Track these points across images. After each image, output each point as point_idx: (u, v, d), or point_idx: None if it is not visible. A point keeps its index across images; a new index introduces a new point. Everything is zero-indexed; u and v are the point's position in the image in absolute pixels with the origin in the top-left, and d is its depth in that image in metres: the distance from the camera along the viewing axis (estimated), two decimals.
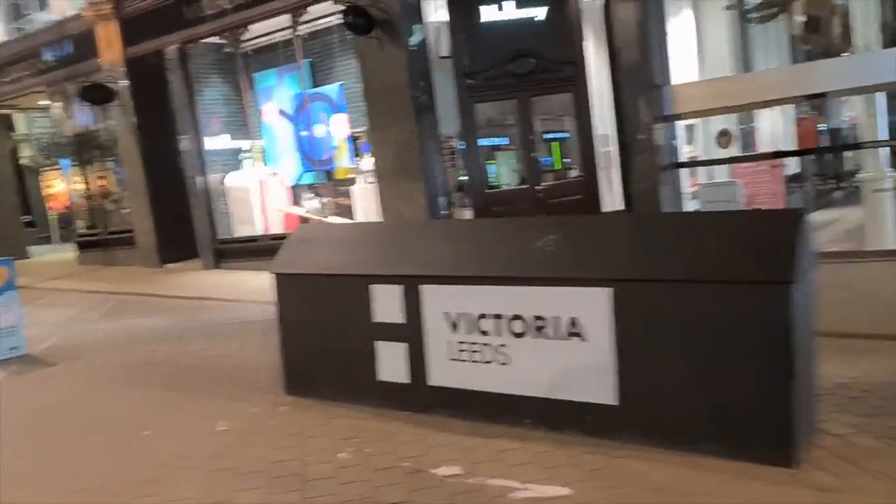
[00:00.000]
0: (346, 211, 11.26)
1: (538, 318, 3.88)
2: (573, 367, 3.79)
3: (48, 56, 13.87)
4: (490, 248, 4.23)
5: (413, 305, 4.28)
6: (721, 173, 10.35)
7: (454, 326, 4.17)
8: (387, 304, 4.37)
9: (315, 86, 11.35)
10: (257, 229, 11.83)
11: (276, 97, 11.93)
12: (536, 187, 9.92)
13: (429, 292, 4.22)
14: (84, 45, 13.02)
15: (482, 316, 4.06)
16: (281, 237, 11.58)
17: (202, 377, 5.68)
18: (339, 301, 4.61)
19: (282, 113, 11.92)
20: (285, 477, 3.65)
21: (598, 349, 3.70)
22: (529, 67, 9.65)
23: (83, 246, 14.58)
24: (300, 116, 11.52)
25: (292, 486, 3.54)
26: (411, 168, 9.58)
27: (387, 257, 4.55)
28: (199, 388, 5.40)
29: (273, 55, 11.71)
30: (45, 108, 17.43)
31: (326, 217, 11.07)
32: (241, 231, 12.13)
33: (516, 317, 3.95)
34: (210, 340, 6.97)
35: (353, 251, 4.80)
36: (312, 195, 11.57)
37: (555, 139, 11.05)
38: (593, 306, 3.70)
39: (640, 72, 9.28)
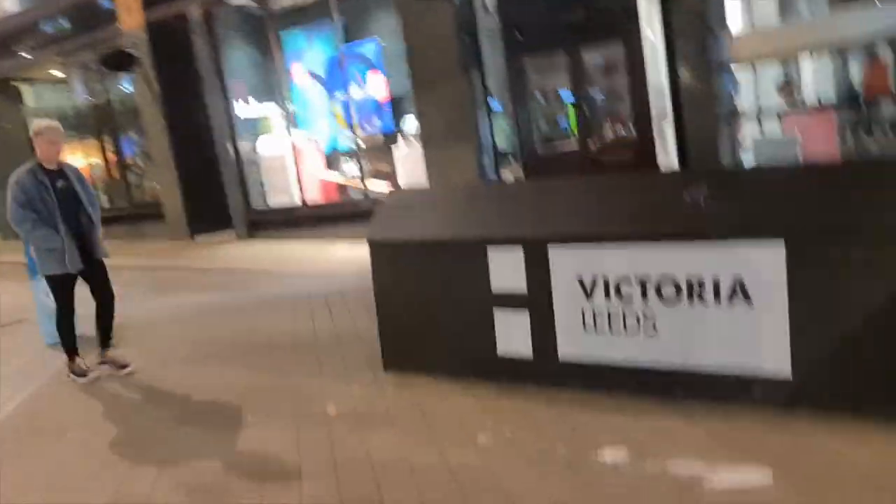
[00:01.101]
0: (386, 176, 10.81)
1: (693, 279, 3.48)
2: (738, 336, 3.40)
3: (61, 24, 13.26)
4: (628, 203, 3.80)
5: (539, 270, 3.87)
6: (770, 126, 9.88)
7: (588, 293, 3.78)
8: (507, 269, 3.97)
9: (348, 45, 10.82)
10: (293, 198, 11.40)
11: (307, 59, 11.40)
12: (592, 147, 9.46)
13: (558, 254, 3.82)
14: (100, 11, 12.42)
15: (624, 279, 3.66)
16: (319, 206, 11.25)
17: (283, 355, 5.31)
18: (450, 269, 4.20)
19: (313, 75, 11.40)
20: (430, 470, 3.27)
21: (769, 314, 3.31)
22: (581, 16, 9.12)
23: (107, 220, 14.09)
24: (334, 78, 11.00)
25: (442, 480, 3.16)
26: (461, 129, 9.12)
27: (505, 219, 4.13)
28: (286, 367, 5.03)
29: (302, 14, 11.15)
30: (58, 81, 16.91)
31: (366, 183, 10.63)
32: (277, 200, 11.70)
33: (666, 279, 3.55)
34: (274, 316, 6.60)
35: (461, 215, 4.39)
36: (350, 160, 11.11)
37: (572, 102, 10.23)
38: (763, 264, 3.30)
39: (697, 17, 8.77)
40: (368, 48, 10.63)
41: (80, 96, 16.92)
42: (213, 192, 12.18)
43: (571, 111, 9.73)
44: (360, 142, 10.73)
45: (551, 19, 9.06)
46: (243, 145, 11.71)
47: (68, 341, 5.46)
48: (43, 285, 6.50)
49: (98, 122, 14.29)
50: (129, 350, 6.06)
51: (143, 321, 7.09)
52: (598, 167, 9.43)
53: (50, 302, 6.56)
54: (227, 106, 11.56)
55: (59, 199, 5.16)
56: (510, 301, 4.00)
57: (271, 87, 11.73)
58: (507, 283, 4.00)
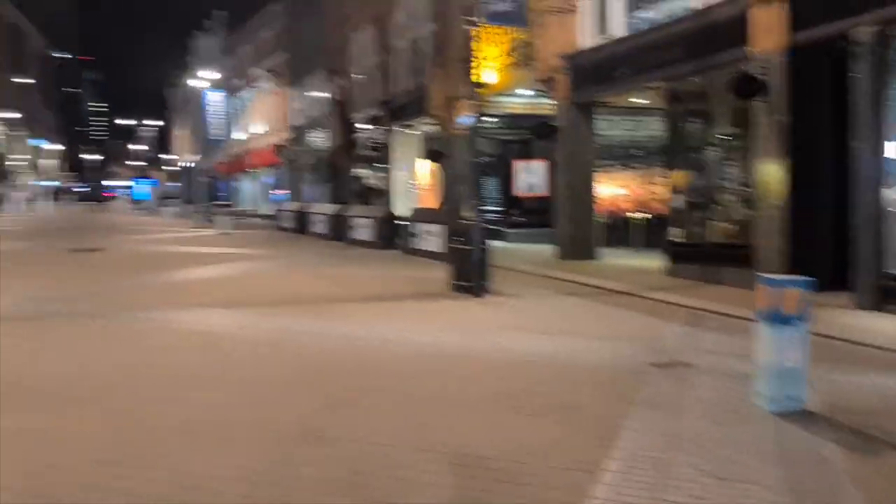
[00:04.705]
0: None
1: None
2: None
3: (674, 49, 12.79)
4: None
5: None
6: None
7: None
8: None
9: None
10: None
11: None
12: None
13: None
14: (726, 33, 11.52)
15: None
16: None
17: None
18: None
19: None
20: None
21: None
22: None
23: (677, 256, 13.18)
24: None
25: None
26: None
27: None
28: None
29: None
30: (628, 108, 17.05)
31: None
32: None
33: None
34: None
35: None
36: None
37: None
38: None
39: None
40: None
41: (641, 127, 16.79)
42: (828, 246, 10.29)
43: None
44: None
45: None
46: (889, 194, 9.50)
47: None
48: (787, 334, 5.27)
49: (671, 153, 13.59)
50: None
51: (866, 407, 5.42)
52: None
53: (789, 361, 5.29)
54: (876, 145, 9.49)
55: None
56: None
57: None
58: None
